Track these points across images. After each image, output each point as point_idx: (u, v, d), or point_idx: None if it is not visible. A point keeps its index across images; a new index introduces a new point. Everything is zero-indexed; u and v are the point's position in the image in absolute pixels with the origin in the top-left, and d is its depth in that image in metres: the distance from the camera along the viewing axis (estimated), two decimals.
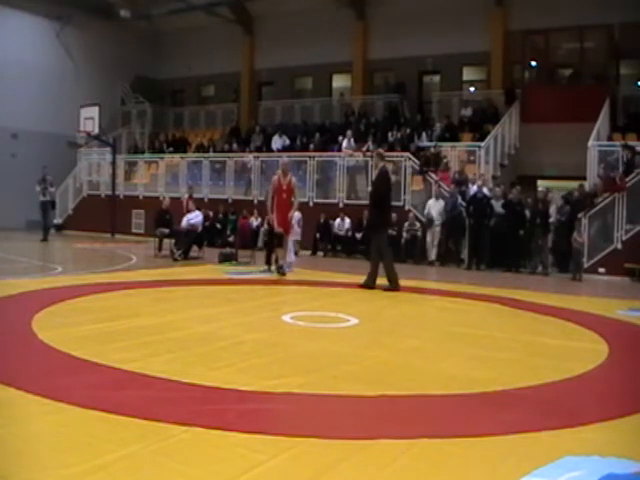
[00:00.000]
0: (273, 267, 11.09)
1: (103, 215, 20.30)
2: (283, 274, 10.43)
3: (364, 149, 17.41)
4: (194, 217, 13.92)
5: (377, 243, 9.28)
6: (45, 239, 16.61)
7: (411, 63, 20.71)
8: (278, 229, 10.65)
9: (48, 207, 17.05)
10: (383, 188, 9.41)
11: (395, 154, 16.91)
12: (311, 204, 17.01)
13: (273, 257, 11.04)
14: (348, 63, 22.08)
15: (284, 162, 11.47)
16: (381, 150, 10.93)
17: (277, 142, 19.94)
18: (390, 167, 10.82)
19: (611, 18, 16.76)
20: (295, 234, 12.91)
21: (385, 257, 9.23)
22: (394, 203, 15.84)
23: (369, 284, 9.13)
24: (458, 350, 5.42)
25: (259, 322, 6.40)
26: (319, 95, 22.89)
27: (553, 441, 3.22)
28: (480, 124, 17.82)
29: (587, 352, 5.50)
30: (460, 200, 14.50)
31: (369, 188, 9.95)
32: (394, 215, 15.40)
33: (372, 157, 15.25)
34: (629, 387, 4.48)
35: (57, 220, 21.95)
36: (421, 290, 9.82)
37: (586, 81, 17.48)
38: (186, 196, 15.65)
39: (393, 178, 16.48)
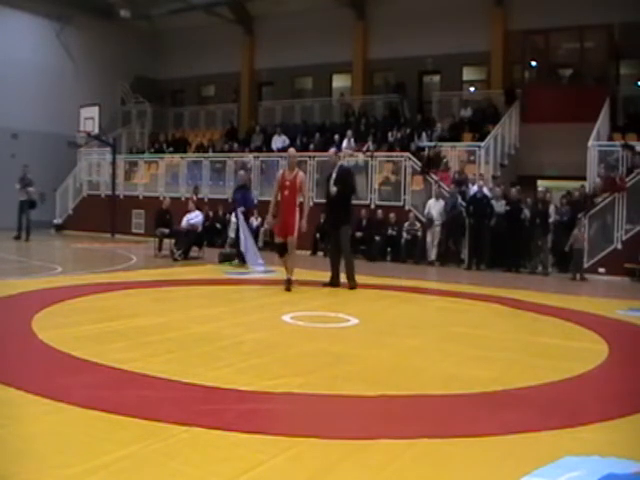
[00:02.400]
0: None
1: (103, 215, 20.29)
2: (288, 289, 8.77)
3: (364, 149, 17.43)
4: (194, 217, 13.93)
5: (343, 240, 9.38)
6: (27, 239, 16.44)
7: (411, 63, 20.69)
8: (277, 238, 8.97)
9: (25, 207, 16.97)
10: (350, 186, 9.59)
11: (395, 154, 16.94)
12: (311, 204, 16.96)
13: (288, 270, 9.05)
14: (348, 63, 22.07)
15: (291, 154, 9.43)
16: (334, 151, 10.87)
17: (277, 142, 19.94)
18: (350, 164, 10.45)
19: (611, 18, 16.76)
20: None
21: (348, 254, 9.42)
22: (394, 203, 16.04)
23: (336, 283, 9.32)
24: (458, 350, 5.41)
25: (259, 322, 6.40)
26: (319, 95, 22.88)
27: (553, 441, 3.22)
28: (480, 124, 17.83)
29: (587, 352, 5.50)
30: (460, 200, 14.51)
31: (333, 188, 9.24)
32: (393, 215, 15.53)
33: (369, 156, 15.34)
34: (629, 387, 4.48)
35: (57, 220, 21.97)
36: (421, 290, 9.83)
37: (586, 81, 17.47)
38: (194, 197, 15.72)
39: (393, 178, 16.66)
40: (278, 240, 8.95)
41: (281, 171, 9.43)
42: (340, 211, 9.42)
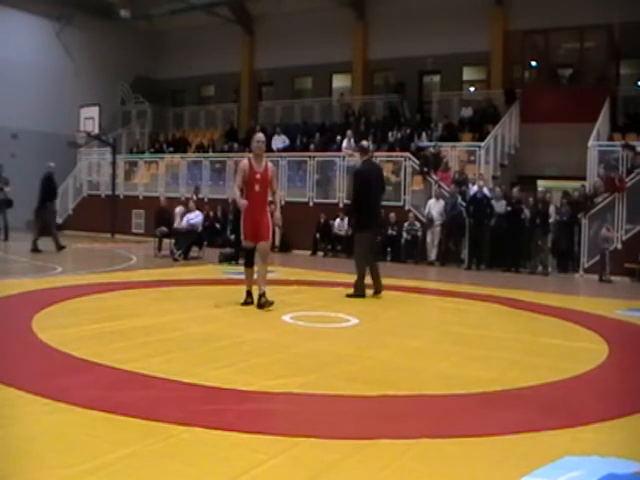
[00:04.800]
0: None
1: (103, 215, 20.29)
2: (262, 305, 7.12)
3: None
4: (194, 217, 13.93)
5: (375, 244, 8.87)
6: (6, 238, 16.38)
7: (411, 63, 20.70)
8: (246, 242, 7.36)
9: (2, 206, 16.90)
10: (354, 190, 8.73)
11: (395, 154, 16.94)
12: (311, 204, 17.02)
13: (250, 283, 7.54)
14: (348, 63, 22.07)
15: (259, 139, 7.45)
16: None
17: (277, 142, 19.92)
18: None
19: (611, 18, 16.74)
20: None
21: (375, 259, 8.76)
22: (394, 203, 16.04)
23: (379, 289, 8.52)
24: (458, 350, 5.41)
25: (259, 322, 6.40)
26: (319, 95, 22.88)
27: (553, 441, 3.21)
28: (480, 124, 17.83)
29: (587, 352, 5.50)
30: (460, 200, 14.51)
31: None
32: (393, 215, 15.52)
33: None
34: (629, 387, 4.48)
35: (57, 220, 21.90)
36: (421, 290, 9.83)
37: (586, 81, 17.48)
38: (194, 197, 15.78)
39: (393, 178, 16.66)
40: (247, 244, 7.39)
41: (246, 160, 7.43)
42: (380, 211, 8.58)
